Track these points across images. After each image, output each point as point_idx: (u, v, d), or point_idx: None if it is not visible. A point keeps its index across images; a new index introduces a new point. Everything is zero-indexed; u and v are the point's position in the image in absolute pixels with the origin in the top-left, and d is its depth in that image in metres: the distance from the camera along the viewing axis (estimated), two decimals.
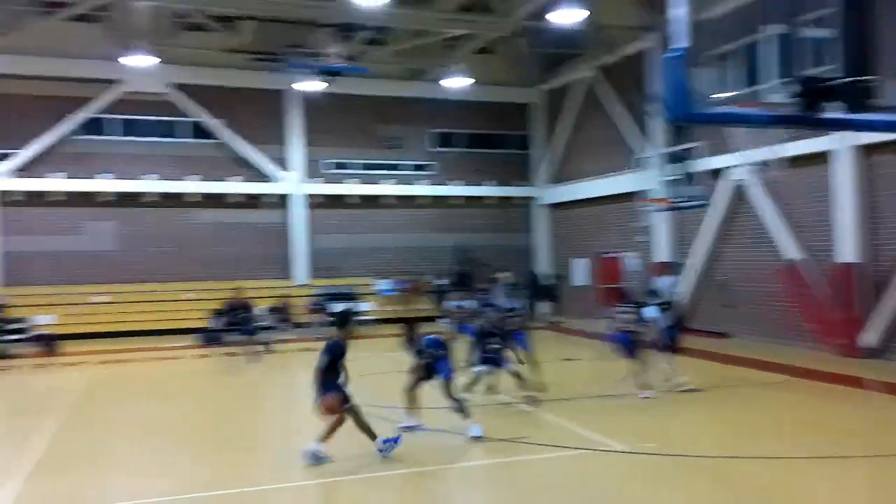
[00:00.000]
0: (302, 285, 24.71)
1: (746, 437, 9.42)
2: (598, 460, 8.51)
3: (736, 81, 16.46)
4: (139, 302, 22.64)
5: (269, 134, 25.13)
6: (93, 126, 23.43)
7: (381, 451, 8.42)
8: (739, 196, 18.81)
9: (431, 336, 9.84)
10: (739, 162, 15.52)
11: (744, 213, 18.80)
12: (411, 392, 9.81)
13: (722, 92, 8.68)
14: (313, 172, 25.56)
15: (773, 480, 7.76)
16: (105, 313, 21.94)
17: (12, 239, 22.54)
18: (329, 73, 20.51)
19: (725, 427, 10.19)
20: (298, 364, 17.01)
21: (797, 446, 8.94)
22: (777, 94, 8.88)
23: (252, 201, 25.05)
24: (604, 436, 9.31)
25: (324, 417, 8.38)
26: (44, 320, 19.75)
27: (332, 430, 8.32)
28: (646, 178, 20.59)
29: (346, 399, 8.43)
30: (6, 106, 22.51)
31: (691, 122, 9.66)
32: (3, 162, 22.36)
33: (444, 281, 24.91)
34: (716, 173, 18.16)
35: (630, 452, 8.65)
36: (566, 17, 18.40)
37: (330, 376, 8.43)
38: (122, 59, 21.91)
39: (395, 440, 8.59)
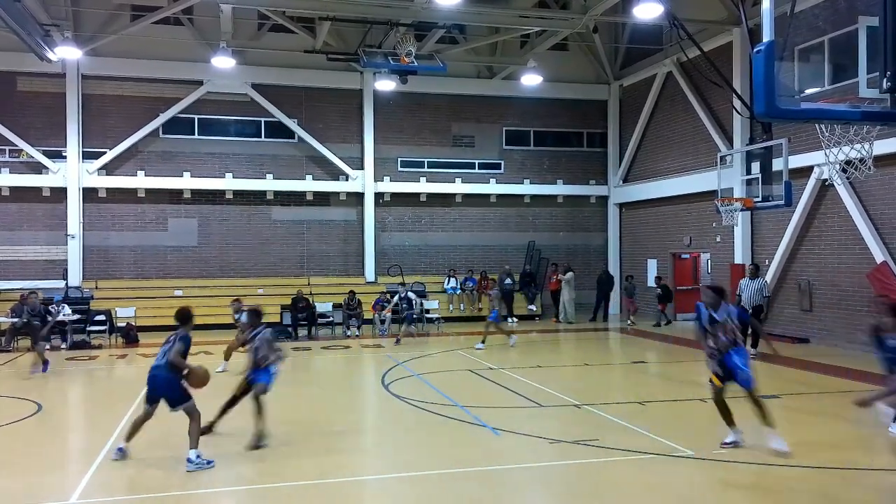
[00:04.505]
0: (371, 282, 25.01)
1: (821, 447, 8.99)
2: (673, 465, 8.28)
3: (824, 76, 15.81)
4: (216, 296, 23.29)
5: (343, 133, 25.50)
6: (175, 125, 24.23)
7: None
8: (824, 196, 18.08)
9: None
10: (825, 160, 14.89)
11: (828, 213, 18.07)
12: None
13: (809, 87, 8.35)
14: (386, 171, 25.78)
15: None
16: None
17: (95, 234, 23.54)
18: (404, 71, 20.61)
19: (803, 435, 9.76)
20: (367, 360, 17.24)
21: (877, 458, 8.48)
22: (868, 89, 8.45)
23: (325, 199, 25.45)
24: (673, 440, 9.08)
25: None
26: (125, 313, 20.47)
27: None
28: (725, 176, 20.01)
29: None
30: (96, 107, 23.55)
31: (778, 119, 9.28)
32: (91, 161, 23.35)
33: (512, 280, 24.79)
34: (799, 172, 17.49)
35: (706, 459, 8.37)
36: (644, 12, 18.02)
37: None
38: (205, 61, 22.68)
39: None
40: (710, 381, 8.83)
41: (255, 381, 9.28)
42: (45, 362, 15.04)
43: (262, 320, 9.76)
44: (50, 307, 18.03)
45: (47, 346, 16.66)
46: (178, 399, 8.34)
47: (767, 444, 8.41)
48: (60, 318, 18.98)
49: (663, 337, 20.33)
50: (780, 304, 19.52)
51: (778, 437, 8.43)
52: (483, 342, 17.87)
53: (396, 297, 20.02)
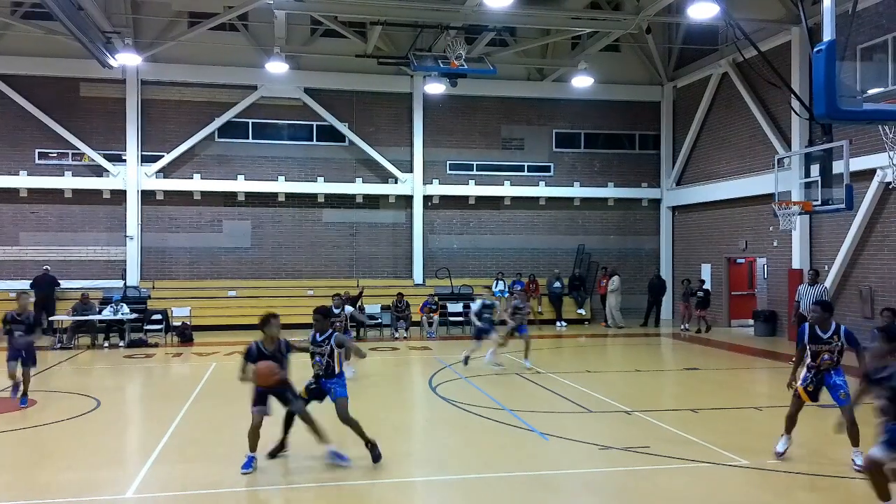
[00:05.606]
0: (419, 284, 25.09)
1: None
2: (727, 475, 8.08)
3: (888, 76, 15.31)
4: (267, 297, 23.65)
5: (393, 136, 25.66)
6: (230, 129, 24.70)
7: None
8: (887, 199, 17.48)
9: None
10: (888, 162, 14.41)
11: (891, 217, 17.47)
12: None
13: (872, 87, 8.09)
14: (435, 173, 25.84)
15: None
16: (236, 307, 23.03)
17: (153, 235, 24.14)
18: (454, 75, 20.63)
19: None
20: (414, 362, 17.28)
21: None
22: None
23: (375, 202, 25.62)
24: (727, 449, 8.86)
25: None
26: (180, 312, 20.94)
27: None
28: (783, 179, 19.57)
29: None
30: (154, 111, 24.16)
31: (839, 120, 9.02)
32: (150, 164, 23.96)
33: (561, 284, 24.58)
34: (861, 174, 16.95)
35: (761, 469, 8.16)
36: (699, 12, 17.70)
37: None
38: (259, 66, 23.08)
39: None
40: (796, 393, 8.56)
41: (339, 396, 8.56)
42: (16, 387, 11.56)
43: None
44: (41, 318, 14.26)
45: (17, 368, 11.43)
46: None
47: (853, 460, 8.06)
48: (101, 316, 19.36)
49: (716, 343, 19.92)
50: (841, 311, 18.91)
51: (861, 454, 8.09)
52: (526, 358, 16.23)
53: (477, 306, 16.35)
